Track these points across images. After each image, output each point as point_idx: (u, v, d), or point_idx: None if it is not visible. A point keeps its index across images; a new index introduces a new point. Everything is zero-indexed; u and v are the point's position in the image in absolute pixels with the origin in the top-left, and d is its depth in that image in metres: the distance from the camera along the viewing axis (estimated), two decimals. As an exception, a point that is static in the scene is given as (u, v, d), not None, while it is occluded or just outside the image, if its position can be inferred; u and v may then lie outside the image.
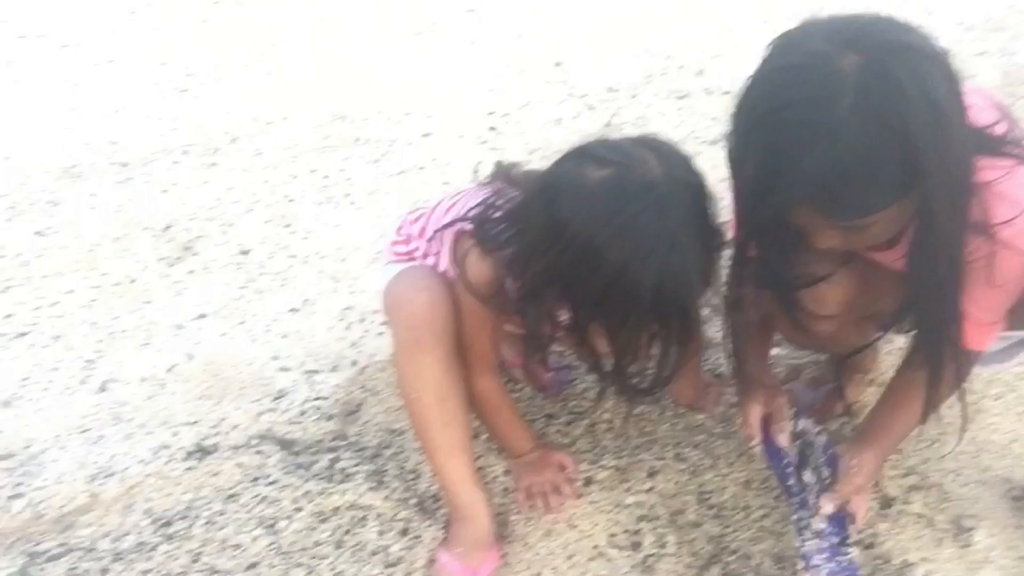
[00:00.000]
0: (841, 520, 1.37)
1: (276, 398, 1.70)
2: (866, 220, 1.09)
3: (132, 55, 3.24)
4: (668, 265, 1.09)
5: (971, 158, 1.11)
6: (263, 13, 3.74)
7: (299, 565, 1.35)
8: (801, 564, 1.36)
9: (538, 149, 2.64)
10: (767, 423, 1.43)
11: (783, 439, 1.42)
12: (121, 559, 1.36)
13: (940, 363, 1.27)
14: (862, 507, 1.37)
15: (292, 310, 1.95)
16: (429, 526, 1.42)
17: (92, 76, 3.06)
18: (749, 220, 1.18)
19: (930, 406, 1.32)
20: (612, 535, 1.44)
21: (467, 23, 3.72)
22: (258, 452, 1.55)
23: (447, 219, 1.37)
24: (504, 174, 1.36)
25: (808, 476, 1.41)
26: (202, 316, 1.93)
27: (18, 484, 1.49)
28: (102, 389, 1.72)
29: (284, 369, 1.78)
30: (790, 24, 1.10)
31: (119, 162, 2.54)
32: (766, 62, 1.09)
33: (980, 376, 1.63)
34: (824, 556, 1.35)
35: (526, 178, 1.31)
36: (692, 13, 3.51)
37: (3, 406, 1.66)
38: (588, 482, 1.51)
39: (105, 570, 1.34)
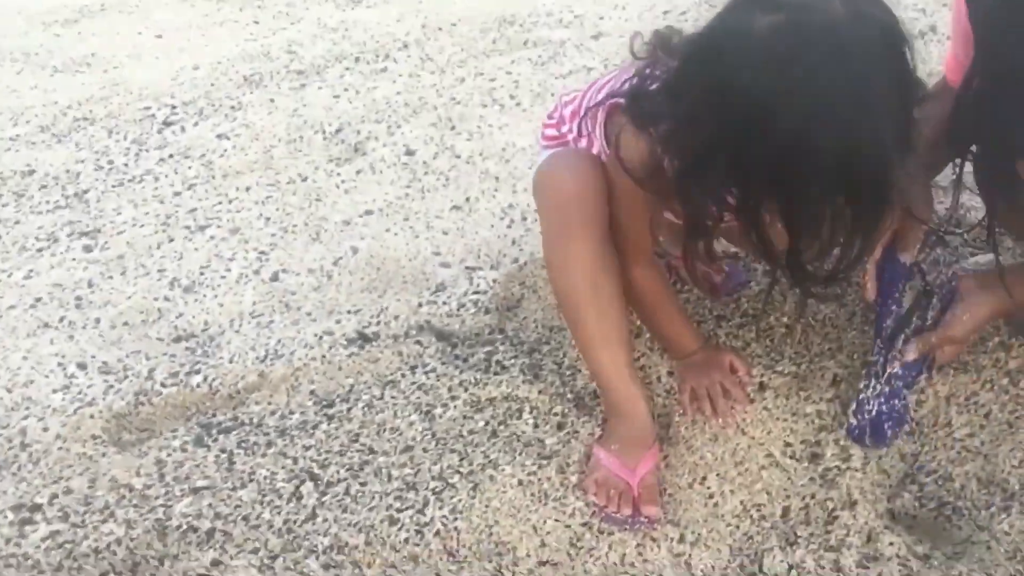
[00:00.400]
0: (918, 366, 1.22)
1: (435, 291, 1.67)
2: None
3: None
4: (855, 124, 0.93)
5: None
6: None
7: (453, 451, 1.33)
8: (852, 407, 1.23)
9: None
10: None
11: (907, 255, 1.22)
12: (285, 435, 1.39)
13: None
14: (952, 353, 1.22)
15: (455, 207, 1.92)
16: (586, 422, 1.36)
17: (273, -7, 3.13)
18: (993, 65, 0.98)
19: None
20: (788, 444, 1.32)
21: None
22: (417, 342, 1.54)
23: (600, 96, 1.26)
24: (663, 43, 1.22)
25: (910, 314, 1.23)
26: (368, 213, 1.94)
27: (197, 362, 1.55)
28: (274, 279, 1.76)
29: (444, 265, 1.76)
30: None
31: (295, 70, 2.58)
32: None
33: None
34: (880, 400, 1.22)
35: (687, 43, 1.17)
36: None
37: (185, 291, 1.74)
38: (762, 388, 1.38)
39: (271, 443, 1.37)
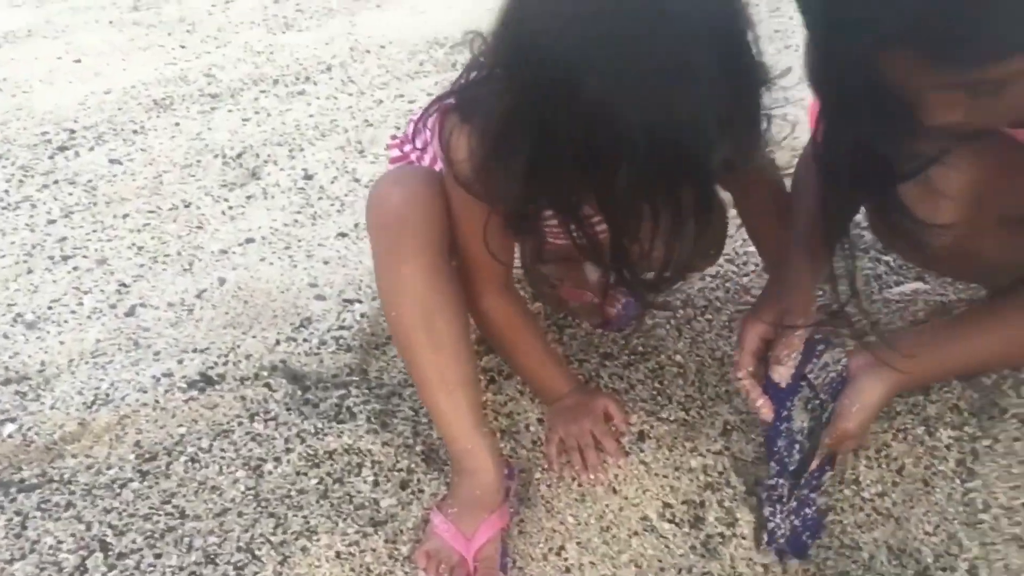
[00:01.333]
0: (822, 468, 1.06)
1: (298, 327, 1.49)
2: (994, 70, 0.73)
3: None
4: (669, 97, 0.75)
5: None
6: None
7: (272, 515, 1.13)
8: (764, 537, 1.06)
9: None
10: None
11: (779, 372, 1.04)
12: (90, 494, 1.19)
13: None
14: (851, 445, 1.06)
15: (341, 234, 1.75)
16: (433, 479, 1.16)
17: (206, 19, 3.01)
18: (824, 81, 0.82)
19: None
20: (667, 505, 1.12)
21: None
22: (265, 385, 1.35)
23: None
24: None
25: (799, 422, 1.05)
26: (249, 241, 1.76)
27: (14, 410, 1.37)
28: (129, 313, 1.58)
29: (320, 297, 1.58)
30: None
31: (210, 93, 2.44)
32: None
33: None
34: (790, 519, 1.05)
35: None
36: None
37: (28, 327, 1.56)
38: (642, 437, 1.18)
39: (70, 504, 1.18)
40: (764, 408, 1.06)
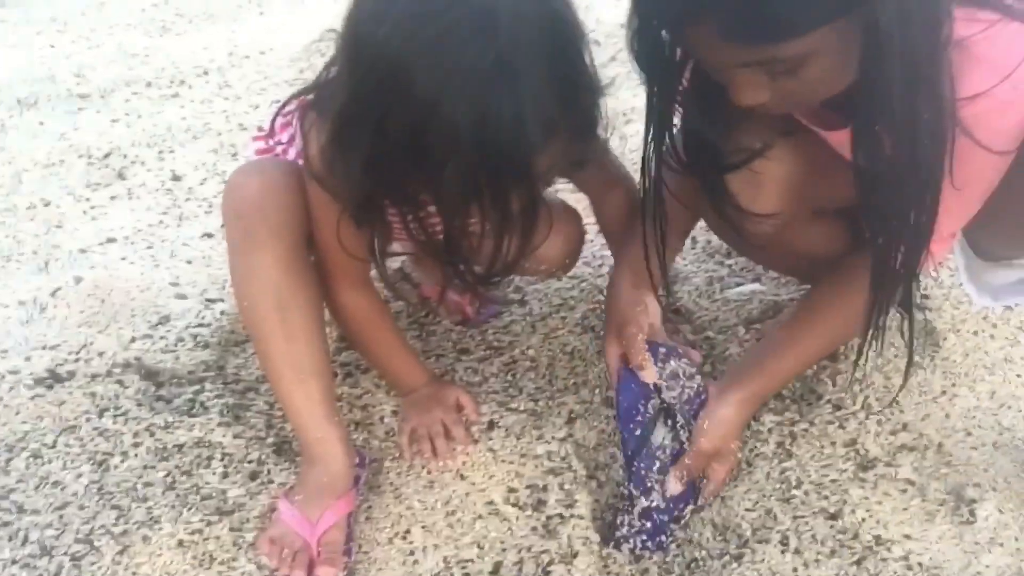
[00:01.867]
0: (686, 496, 1.09)
1: (156, 325, 1.47)
2: (786, 48, 0.80)
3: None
4: (493, 98, 0.81)
5: None
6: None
7: (115, 508, 1.12)
8: (611, 543, 1.08)
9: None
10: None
11: (647, 374, 1.09)
12: (-79, 492, 1.15)
13: (887, 280, 0.95)
14: (720, 473, 1.09)
15: (207, 235, 1.73)
16: (284, 470, 1.17)
17: (79, 19, 2.92)
18: (643, 59, 0.89)
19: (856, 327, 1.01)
20: (511, 490, 1.16)
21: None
22: (117, 382, 1.33)
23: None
24: None
25: (658, 436, 1.09)
26: (111, 241, 1.73)
27: None
28: (-24, 312, 1.52)
29: (180, 296, 1.56)
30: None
31: (78, 94, 2.37)
32: None
33: (996, 312, 1.28)
34: (640, 537, 1.08)
35: None
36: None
37: None
38: (491, 426, 1.23)
39: (-103, 504, 1.13)
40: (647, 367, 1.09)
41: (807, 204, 1.08)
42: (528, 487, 1.16)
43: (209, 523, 1.08)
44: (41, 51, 2.67)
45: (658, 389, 1.11)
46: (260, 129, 1.28)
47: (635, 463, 1.09)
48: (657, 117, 0.97)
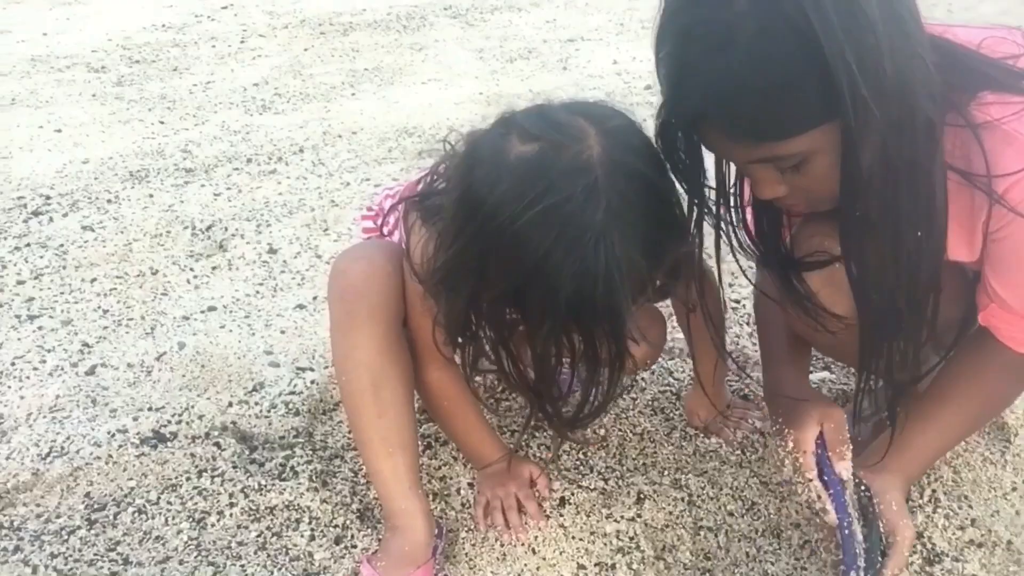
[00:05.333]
0: None
1: (251, 391, 1.58)
2: (784, 147, 0.90)
3: (229, 79, 3.34)
4: (591, 264, 0.89)
5: (929, 85, 0.88)
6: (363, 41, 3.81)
7: (211, 564, 1.20)
8: None
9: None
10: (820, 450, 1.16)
11: (844, 468, 1.13)
12: (38, 540, 1.26)
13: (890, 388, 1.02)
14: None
15: (299, 307, 1.85)
16: (366, 535, 1.24)
17: (187, 97, 3.16)
18: (663, 148, 0.98)
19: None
20: (581, 567, 1.20)
21: (563, 53, 3.64)
22: (215, 444, 1.43)
23: (407, 192, 1.22)
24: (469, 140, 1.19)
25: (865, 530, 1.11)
26: (211, 309, 1.86)
27: (-26, 457, 1.43)
28: (90, 372, 1.66)
29: (274, 364, 1.67)
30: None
31: (184, 168, 2.56)
32: None
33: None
34: None
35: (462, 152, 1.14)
36: None
37: (-10, 382, 1.63)
38: (562, 503, 1.28)
39: (18, 549, 1.24)
40: (827, 505, 1.12)
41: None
42: (597, 564, 1.20)
43: (297, 584, 1.15)
44: (152, 127, 2.90)
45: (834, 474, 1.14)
46: (369, 209, 1.37)
47: (854, 548, 1.09)
48: (690, 206, 1.04)
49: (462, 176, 0.96)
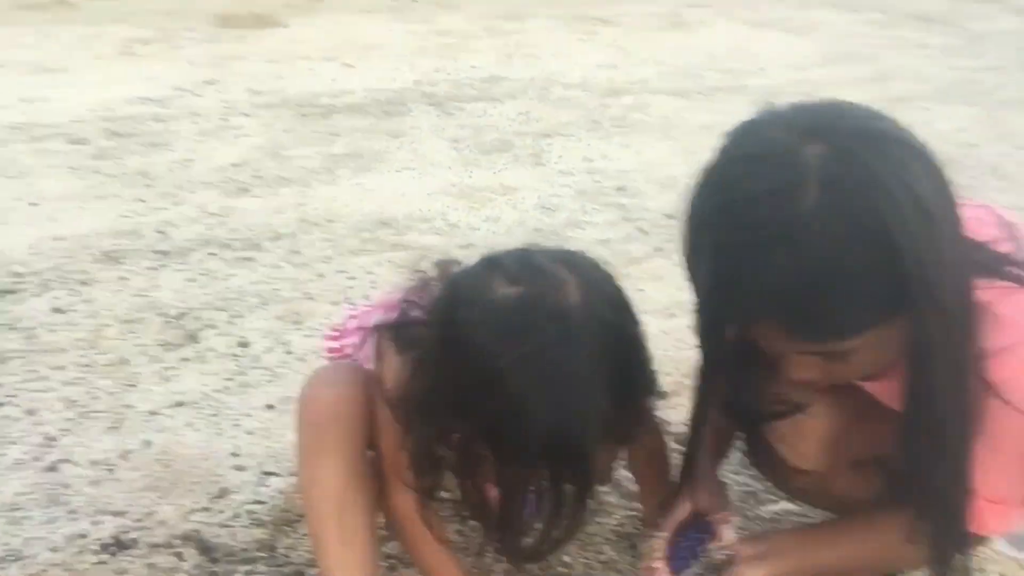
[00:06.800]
0: None
1: (216, 497, 1.57)
2: (845, 344, 0.90)
3: (209, 157, 3.38)
4: (566, 406, 0.93)
5: (970, 272, 0.92)
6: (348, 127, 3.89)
7: None
8: None
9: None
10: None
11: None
12: (-13, 655, 1.23)
13: (943, 544, 1.02)
14: None
15: (269, 406, 1.85)
16: (325, 662, 1.23)
17: (166, 175, 3.19)
18: (705, 341, 1.00)
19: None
20: None
21: (536, 148, 3.73)
22: (176, 554, 1.42)
23: (375, 316, 1.26)
24: (441, 272, 1.23)
25: None
26: (179, 404, 1.85)
27: (-77, 560, 1.40)
28: (51, 469, 1.64)
29: (239, 468, 1.67)
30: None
31: (160, 250, 2.57)
32: (719, 154, 0.94)
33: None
34: None
35: (443, 289, 1.18)
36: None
37: (-54, 476, 1.60)
38: (523, 633, 1.29)
39: (-33, 664, 1.21)
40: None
41: (846, 456, 1.16)
42: None
43: None
44: (129, 204, 2.91)
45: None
46: (335, 329, 1.41)
47: None
48: (706, 388, 1.08)
49: (444, 312, 1.00)
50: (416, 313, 1.14)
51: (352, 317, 1.37)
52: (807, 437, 1.11)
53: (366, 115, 4.08)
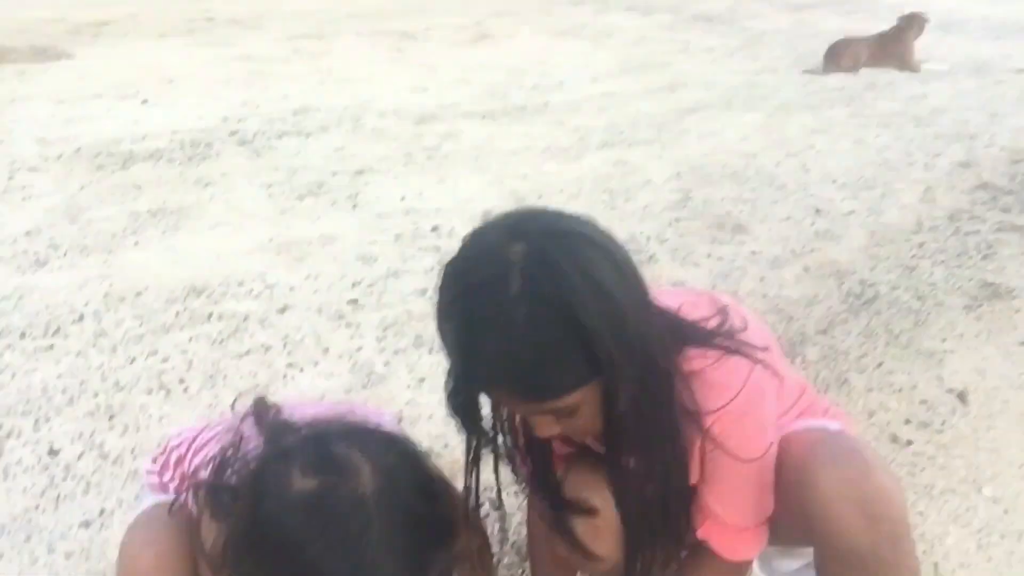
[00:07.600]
0: None
1: (35, 639, 1.53)
2: (561, 402, 1.08)
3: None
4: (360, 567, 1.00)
5: (662, 342, 1.12)
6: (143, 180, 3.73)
7: None
8: None
9: (393, 325, 2.59)
10: None
11: None
12: None
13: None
14: None
15: (85, 523, 1.81)
16: None
17: (-52, 249, 2.97)
18: (458, 405, 1.15)
19: None
20: None
21: (352, 187, 3.74)
22: None
23: (201, 455, 1.28)
24: (258, 416, 1.26)
25: None
26: (-14, 533, 1.77)
27: None
28: None
29: (60, 599, 1.63)
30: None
31: (-53, 347, 2.41)
32: (456, 252, 1.10)
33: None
34: None
35: (268, 435, 1.21)
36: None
37: None
38: None
39: None
40: None
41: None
42: None
43: None
44: (-93, 294, 2.70)
45: None
46: (154, 460, 1.39)
47: None
48: (472, 454, 1.23)
49: (247, 508, 1.04)
50: (229, 473, 1.17)
51: (174, 448, 1.36)
52: (603, 527, 1.26)
53: (171, 162, 3.95)
